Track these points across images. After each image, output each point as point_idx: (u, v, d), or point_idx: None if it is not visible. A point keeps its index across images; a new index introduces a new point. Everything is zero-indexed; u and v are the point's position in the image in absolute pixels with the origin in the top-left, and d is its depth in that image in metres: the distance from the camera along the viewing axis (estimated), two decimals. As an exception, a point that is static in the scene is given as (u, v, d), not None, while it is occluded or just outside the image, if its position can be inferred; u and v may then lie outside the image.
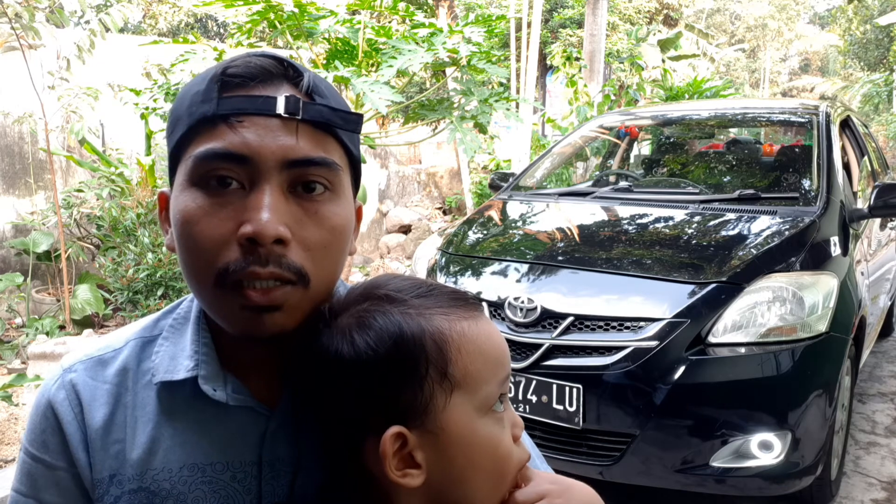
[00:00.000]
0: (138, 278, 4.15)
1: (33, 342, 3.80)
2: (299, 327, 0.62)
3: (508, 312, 2.37)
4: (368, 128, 3.91)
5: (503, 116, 3.24)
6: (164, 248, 4.26)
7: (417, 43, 2.88)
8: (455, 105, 3.20)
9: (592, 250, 2.62)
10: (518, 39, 8.32)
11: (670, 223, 2.79)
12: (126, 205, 4.58)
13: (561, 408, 2.23)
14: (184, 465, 0.65)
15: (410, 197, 9.04)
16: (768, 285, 2.25)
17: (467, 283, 2.63)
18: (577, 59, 7.84)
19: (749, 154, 4.01)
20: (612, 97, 7.75)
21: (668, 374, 2.14)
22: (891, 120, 14.10)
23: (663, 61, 12.74)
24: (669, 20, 16.84)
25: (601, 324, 2.25)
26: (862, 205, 3.15)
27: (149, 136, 4.99)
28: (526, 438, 0.72)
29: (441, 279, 2.73)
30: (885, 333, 4.54)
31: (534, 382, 2.27)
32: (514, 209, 3.32)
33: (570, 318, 2.28)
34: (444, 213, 8.83)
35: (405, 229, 7.95)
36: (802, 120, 3.54)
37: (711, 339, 2.18)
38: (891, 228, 3.89)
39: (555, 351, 2.28)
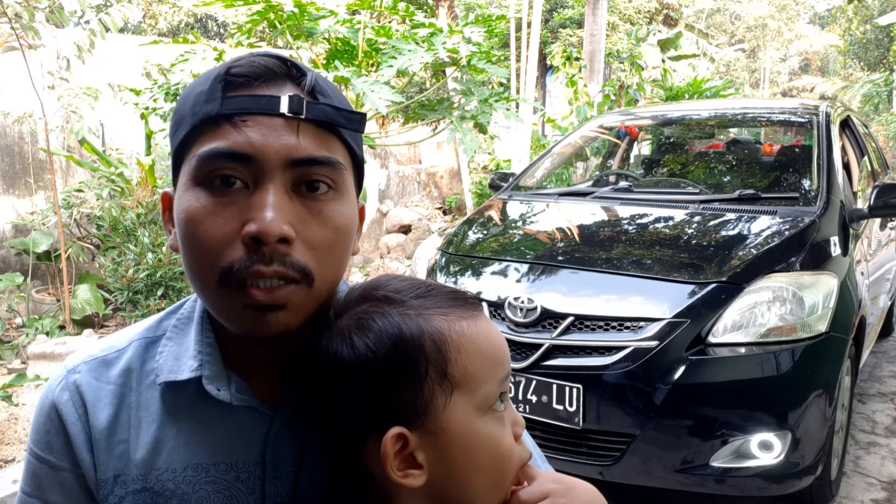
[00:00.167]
0: (138, 278, 4.14)
1: (33, 342, 3.80)
2: (303, 327, 0.62)
3: (508, 312, 2.37)
4: (368, 128, 3.91)
5: (503, 116, 3.24)
6: (164, 248, 4.26)
7: (417, 43, 2.87)
8: (455, 105, 3.20)
9: (592, 250, 2.62)
10: (518, 39, 8.32)
11: (670, 223, 2.79)
12: (126, 205, 4.58)
13: (561, 408, 2.23)
14: (188, 465, 0.65)
15: (410, 197, 9.04)
16: (768, 285, 2.25)
17: (467, 283, 2.63)
18: (577, 59, 7.85)
19: (749, 154, 4.01)
20: (612, 97, 7.75)
21: (668, 374, 2.14)
22: (891, 120, 14.10)
23: (663, 61, 12.74)
24: (669, 20, 16.84)
25: (601, 324, 2.25)
26: (862, 205, 3.15)
27: (149, 136, 4.98)
28: (527, 438, 0.72)
29: (441, 279, 2.73)
30: (885, 333, 4.54)
31: (534, 382, 2.27)
32: (514, 209, 3.32)
33: (570, 318, 2.28)
34: (444, 213, 8.83)
35: (405, 229, 7.95)
36: (802, 120, 3.54)
37: (711, 339, 2.18)
38: (891, 228, 3.89)
39: (555, 351, 2.28)
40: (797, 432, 2.13)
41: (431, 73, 7.48)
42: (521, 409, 2.28)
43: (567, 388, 2.22)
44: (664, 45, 14.00)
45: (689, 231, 2.67)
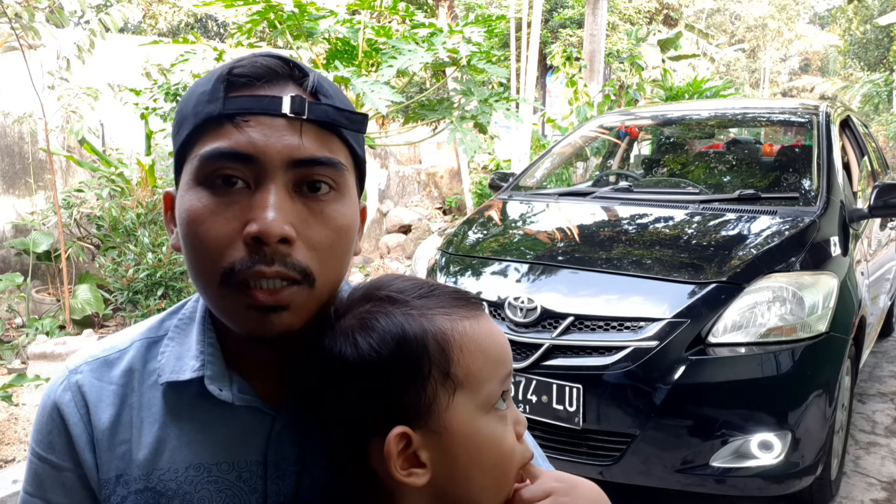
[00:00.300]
0: (138, 278, 4.14)
1: (33, 342, 3.80)
2: (305, 327, 0.62)
3: (508, 312, 2.37)
4: (368, 128, 3.90)
5: (503, 116, 3.24)
6: (164, 249, 4.26)
7: (417, 43, 2.87)
8: (455, 105, 3.20)
9: (592, 250, 2.62)
10: (518, 39, 8.32)
11: (670, 223, 2.79)
12: (126, 205, 4.58)
13: (561, 408, 2.23)
14: (190, 464, 0.66)
15: (410, 197, 9.04)
16: (768, 285, 2.25)
17: (467, 283, 2.63)
18: (577, 59, 7.84)
19: (749, 154, 4.01)
20: (612, 97, 7.75)
21: (668, 374, 2.14)
22: (891, 120, 14.10)
23: (663, 61, 12.74)
24: (669, 20, 16.85)
25: (601, 324, 2.25)
26: (862, 205, 3.15)
27: (149, 136, 4.98)
28: (528, 438, 0.72)
29: (441, 279, 2.73)
30: (885, 333, 4.55)
31: (534, 382, 2.27)
32: (514, 209, 3.32)
33: (570, 318, 2.28)
34: (444, 213, 8.83)
35: (405, 229, 7.95)
36: (802, 120, 3.54)
37: (711, 339, 2.18)
38: (891, 228, 3.89)
39: (555, 351, 2.28)
40: (797, 432, 2.13)
41: (431, 73, 7.48)
42: (521, 409, 2.28)
43: (567, 388, 2.22)
44: (664, 45, 14.01)
45: (689, 231, 2.67)
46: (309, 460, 0.67)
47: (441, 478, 0.60)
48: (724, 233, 2.61)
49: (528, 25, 7.22)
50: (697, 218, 2.76)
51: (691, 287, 2.27)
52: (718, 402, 2.18)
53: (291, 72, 0.63)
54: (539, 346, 2.28)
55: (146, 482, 0.65)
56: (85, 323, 4.53)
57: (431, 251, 2.99)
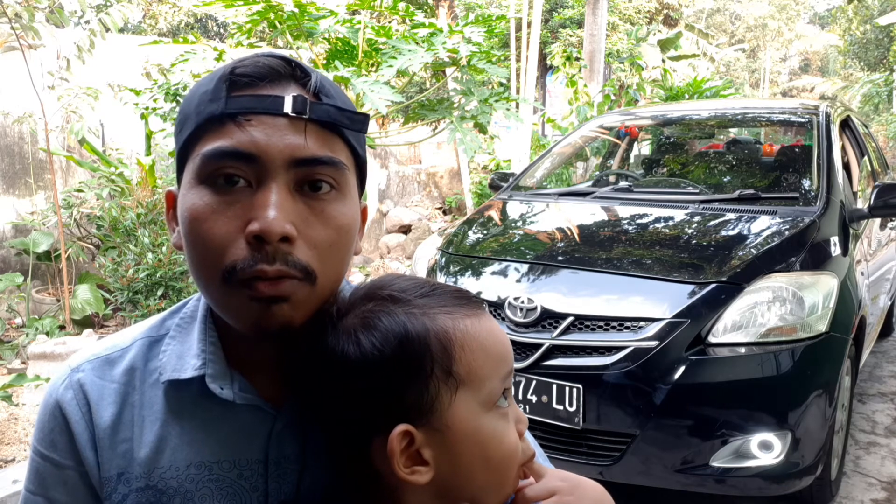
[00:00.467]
0: (138, 278, 4.14)
1: (33, 342, 3.80)
2: (305, 324, 0.63)
3: (508, 312, 2.37)
4: (369, 127, 3.90)
5: (503, 116, 3.24)
6: (164, 248, 4.26)
7: (417, 43, 2.88)
8: (455, 105, 3.20)
9: (592, 250, 2.62)
10: (518, 39, 8.32)
11: (670, 223, 2.79)
12: (126, 205, 4.58)
13: (561, 408, 2.24)
14: (191, 463, 0.66)
15: (410, 197, 9.04)
16: (768, 285, 2.25)
17: (467, 283, 2.63)
18: (577, 59, 7.85)
19: (749, 154, 4.01)
20: (612, 97, 7.75)
21: (668, 374, 2.14)
22: (891, 120, 14.11)
23: (663, 61, 12.74)
24: (669, 20, 16.85)
25: (601, 324, 2.25)
26: (862, 205, 3.15)
27: (149, 136, 4.98)
28: (530, 438, 0.73)
29: (441, 279, 2.73)
30: (885, 333, 4.55)
31: (534, 382, 2.27)
32: (514, 209, 3.32)
33: (570, 318, 2.28)
34: (444, 213, 8.83)
35: (405, 229, 7.95)
36: (802, 120, 3.55)
37: (711, 339, 2.18)
38: (891, 228, 3.89)
39: (555, 351, 2.28)
40: (797, 432, 2.14)
41: (431, 73, 7.48)
42: (521, 409, 2.28)
43: (567, 388, 2.22)
44: (664, 45, 14.01)
45: (689, 231, 2.67)
46: (310, 459, 0.68)
47: (443, 476, 0.60)
48: (724, 233, 2.61)
49: (528, 25, 7.22)
50: (697, 218, 2.76)
51: (691, 287, 2.27)
52: (718, 402, 2.18)
53: (293, 72, 0.63)
54: (539, 346, 2.28)
55: (147, 480, 0.66)
56: (85, 323, 4.53)
57: (431, 251, 2.99)
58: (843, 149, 3.45)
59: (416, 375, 0.59)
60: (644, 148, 5.00)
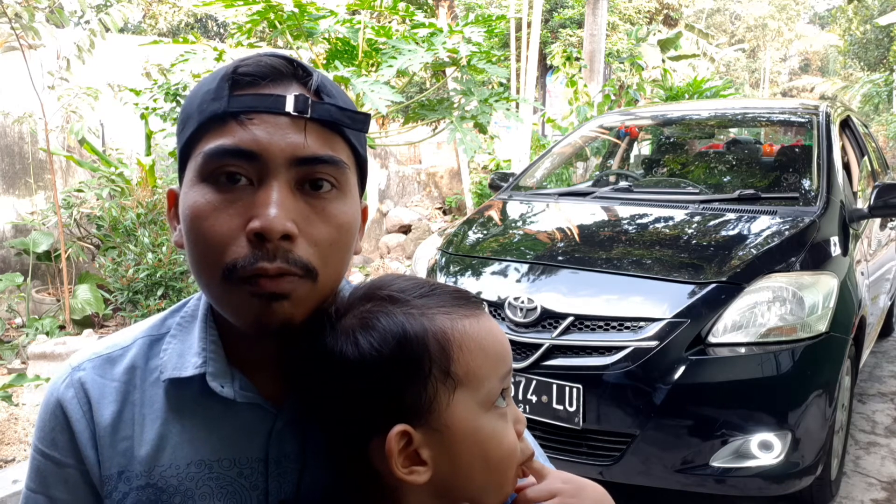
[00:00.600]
0: (138, 278, 4.15)
1: (33, 342, 3.80)
2: (305, 322, 0.63)
3: (508, 312, 2.37)
4: (369, 127, 3.90)
5: (503, 116, 3.24)
6: (164, 249, 4.27)
7: (417, 43, 2.88)
8: (455, 105, 3.20)
9: (592, 250, 2.62)
10: (518, 39, 8.32)
11: (670, 223, 2.79)
12: (126, 205, 4.58)
13: (561, 408, 2.24)
14: (191, 461, 0.66)
15: (410, 197, 9.04)
16: (768, 285, 2.25)
17: (467, 283, 2.63)
18: (577, 59, 7.85)
19: (749, 154, 4.01)
20: (612, 97, 7.75)
21: (668, 374, 2.14)
22: (891, 120, 14.11)
23: (663, 61, 12.74)
24: (669, 20, 16.85)
25: (601, 324, 2.25)
26: (862, 205, 3.15)
27: (149, 136, 4.98)
28: (530, 439, 0.73)
29: (441, 279, 2.73)
30: (885, 333, 4.55)
31: (534, 382, 2.27)
32: (514, 209, 3.32)
33: (570, 318, 2.28)
34: (444, 213, 8.83)
35: (405, 229, 7.95)
36: (802, 120, 3.55)
37: (711, 339, 2.18)
38: (891, 228, 3.89)
39: (555, 351, 2.28)
40: (797, 432, 2.14)
41: (431, 73, 7.48)
42: (521, 409, 2.28)
43: (567, 388, 2.22)
44: (664, 45, 14.01)
45: (689, 231, 2.67)
46: (310, 458, 0.68)
47: (442, 475, 0.60)
48: (724, 233, 2.61)
49: (528, 25, 7.22)
50: (697, 218, 2.76)
51: (691, 287, 2.27)
52: (718, 402, 2.18)
53: (295, 71, 0.64)
54: (539, 346, 2.28)
55: (147, 478, 0.66)
56: (85, 323, 4.53)
57: (431, 251, 2.99)
58: (843, 149, 3.45)
59: (414, 376, 0.59)
60: (644, 148, 5.00)
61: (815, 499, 2.42)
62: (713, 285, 2.26)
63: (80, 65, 4.65)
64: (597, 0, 9.12)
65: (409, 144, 8.99)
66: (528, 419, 2.28)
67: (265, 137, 0.60)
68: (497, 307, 2.43)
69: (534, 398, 2.27)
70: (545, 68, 13.17)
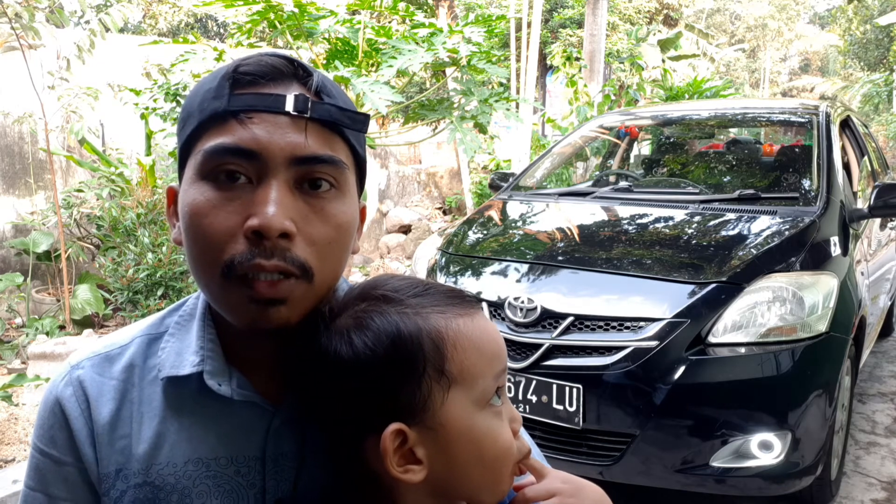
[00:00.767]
0: (138, 278, 4.15)
1: (33, 342, 3.80)
2: (302, 322, 0.63)
3: (508, 312, 2.37)
4: (369, 127, 3.90)
5: (503, 116, 3.24)
6: (164, 249, 4.27)
7: (417, 43, 2.88)
8: (455, 105, 3.20)
9: (592, 250, 2.62)
10: (518, 39, 8.32)
11: (670, 223, 2.79)
12: (126, 205, 4.58)
13: (561, 408, 2.23)
14: (189, 459, 0.66)
15: (410, 197, 9.04)
16: (768, 285, 2.25)
17: (467, 283, 2.63)
18: (577, 59, 7.85)
19: (749, 154, 4.01)
20: (612, 97, 7.75)
21: (668, 374, 2.14)
22: (891, 120, 14.11)
23: (663, 61, 12.74)
24: (669, 20, 16.85)
25: (601, 324, 2.25)
26: (862, 205, 3.15)
27: (149, 136, 4.99)
28: (528, 439, 0.73)
29: (441, 279, 2.73)
30: (885, 333, 4.55)
31: (534, 382, 2.27)
32: (514, 209, 3.32)
33: (570, 318, 2.28)
34: (444, 213, 8.83)
35: (405, 229, 7.95)
36: (802, 120, 3.54)
37: (711, 339, 2.18)
38: (891, 228, 3.89)
39: (555, 351, 2.28)
40: (797, 432, 2.13)
41: (431, 73, 7.49)
42: (520, 409, 2.28)
43: (567, 388, 2.22)
44: (664, 45, 14.01)
45: (689, 231, 2.67)
46: (307, 457, 0.68)
47: (438, 474, 0.60)
48: (724, 233, 2.61)
49: (528, 25, 7.22)
50: (697, 218, 2.76)
51: (691, 287, 2.27)
52: (718, 402, 2.18)
53: (296, 71, 0.64)
54: (539, 346, 2.28)
55: (145, 476, 0.66)
56: (85, 323, 4.53)
57: (431, 251, 2.99)
58: (843, 149, 3.45)
59: (408, 375, 0.59)
60: (644, 148, 5.00)
61: (815, 499, 2.42)
62: (713, 285, 2.25)
63: (80, 65, 4.66)
64: (597, 0, 9.12)
65: (409, 144, 9.00)
66: (528, 419, 2.28)
67: (265, 136, 0.60)
68: (497, 307, 2.42)
69: (534, 398, 2.27)
70: (545, 68, 13.17)
